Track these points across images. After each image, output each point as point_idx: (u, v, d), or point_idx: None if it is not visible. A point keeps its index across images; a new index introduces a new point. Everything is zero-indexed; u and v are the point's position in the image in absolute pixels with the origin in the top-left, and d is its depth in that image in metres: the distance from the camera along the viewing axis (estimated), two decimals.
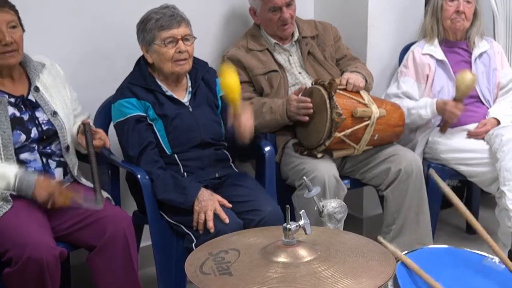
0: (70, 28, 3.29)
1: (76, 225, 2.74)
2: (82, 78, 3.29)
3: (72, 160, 2.93)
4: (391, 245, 2.19)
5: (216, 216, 2.81)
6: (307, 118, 3.30)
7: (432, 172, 2.54)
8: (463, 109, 3.54)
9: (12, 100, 2.80)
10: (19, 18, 2.79)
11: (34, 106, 2.85)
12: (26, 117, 2.81)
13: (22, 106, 2.82)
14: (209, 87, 3.19)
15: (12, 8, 2.77)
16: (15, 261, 2.51)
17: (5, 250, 2.55)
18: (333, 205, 2.48)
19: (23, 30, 2.81)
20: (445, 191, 2.37)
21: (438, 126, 3.69)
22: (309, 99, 3.28)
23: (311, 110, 3.28)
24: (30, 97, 2.86)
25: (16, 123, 2.77)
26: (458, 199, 2.39)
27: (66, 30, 3.28)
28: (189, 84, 3.15)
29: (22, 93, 2.84)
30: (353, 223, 3.65)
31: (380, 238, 2.16)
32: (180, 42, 3.00)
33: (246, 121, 3.00)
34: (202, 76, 3.18)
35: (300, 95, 3.33)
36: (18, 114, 2.80)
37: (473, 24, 3.77)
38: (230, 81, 2.93)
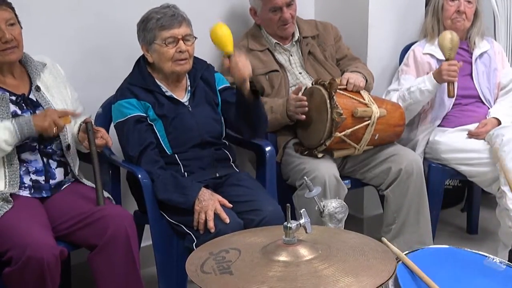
0: (70, 28, 3.30)
1: (77, 225, 2.74)
2: (82, 77, 3.29)
3: (73, 160, 2.93)
4: (393, 245, 2.19)
5: (216, 216, 2.81)
6: (304, 116, 3.30)
7: None
8: (458, 65, 3.53)
9: (13, 98, 2.81)
10: (16, 15, 2.80)
11: (35, 105, 2.85)
12: (27, 115, 2.81)
13: (23, 104, 2.83)
14: (208, 85, 3.19)
15: (9, 5, 2.78)
16: (15, 261, 2.51)
17: (6, 250, 2.55)
18: (333, 205, 2.48)
19: (21, 27, 2.81)
20: None
21: (439, 126, 3.68)
22: (304, 98, 3.29)
23: (306, 109, 3.28)
24: (31, 96, 2.86)
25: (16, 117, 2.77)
26: None
27: (66, 29, 3.28)
28: (188, 83, 3.16)
29: (23, 91, 2.85)
30: (353, 223, 3.65)
31: (384, 239, 2.16)
32: (181, 42, 3.00)
33: (242, 62, 3.00)
34: (201, 74, 3.18)
35: (299, 94, 3.33)
36: (19, 112, 2.80)
37: (473, 24, 3.77)
38: (222, 33, 2.99)
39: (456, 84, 3.58)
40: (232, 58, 3.00)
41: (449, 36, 3.52)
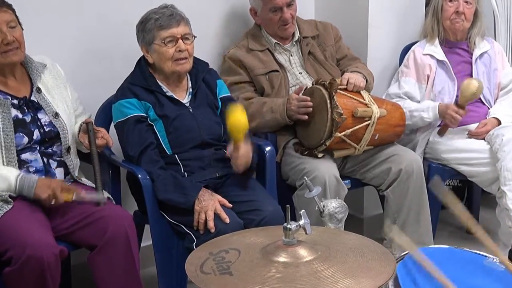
0: (70, 28, 3.30)
1: (77, 225, 2.74)
2: (82, 77, 3.29)
3: (72, 161, 2.93)
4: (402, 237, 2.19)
5: (216, 216, 2.81)
6: (306, 117, 3.30)
7: (437, 182, 2.51)
8: (465, 114, 3.54)
9: (15, 101, 2.81)
10: (17, 17, 2.80)
11: (36, 108, 2.86)
12: (28, 118, 2.81)
13: (25, 107, 2.83)
14: (209, 88, 3.19)
15: (10, 7, 2.78)
16: (15, 260, 2.51)
17: (5, 250, 2.55)
18: (333, 205, 2.48)
19: (22, 29, 2.81)
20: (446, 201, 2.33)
21: (438, 126, 3.69)
22: (309, 98, 3.28)
23: (311, 109, 3.28)
24: (33, 98, 2.86)
25: (19, 125, 2.77)
26: (460, 207, 2.34)
27: (66, 29, 3.29)
28: (190, 85, 3.16)
29: (24, 94, 2.85)
30: (353, 223, 3.65)
31: (392, 226, 2.13)
32: (180, 41, 3.00)
33: (244, 154, 2.98)
34: (203, 77, 3.18)
35: (300, 94, 3.33)
36: (20, 116, 2.80)
37: (473, 25, 3.77)
38: (238, 122, 2.88)
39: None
40: (236, 149, 2.95)
41: (474, 87, 3.50)
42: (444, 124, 3.61)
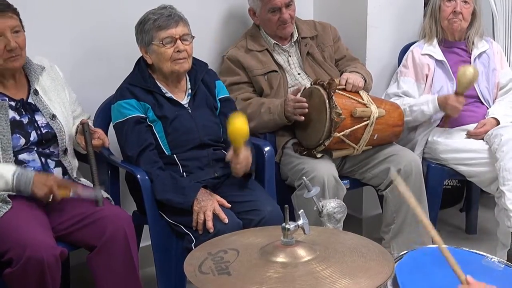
0: (69, 28, 3.30)
1: (76, 225, 2.75)
2: (81, 78, 3.29)
3: (70, 163, 2.94)
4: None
5: (215, 216, 2.81)
6: (303, 118, 3.30)
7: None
8: (465, 102, 3.54)
9: (13, 103, 2.81)
10: (21, 21, 2.80)
11: (33, 110, 2.86)
12: (25, 120, 2.82)
13: (22, 109, 2.83)
14: (208, 89, 3.19)
15: (15, 11, 2.78)
16: (15, 261, 2.51)
17: (6, 250, 2.55)
18: (332, 205, 2.48)
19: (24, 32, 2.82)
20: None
21: (438, 126, 3.69)
22: (304, 99, 3.29)
23: (306, 110, 3.28)
24: (30, 100, 2.87)
25: (16, 127, 2.78)
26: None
27: (65, 30, 3.29)
28: (189, 86, 3.16)
29: (22, 96, 2.85)
30: (352, 223, 3.66)
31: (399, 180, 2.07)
32: (179, 41, 3.00)
33: (243, 160, 2.98)
34: (202, 77, 3.18)
35: (298, 95, 3.33)
36: (18, 117, 2.80)
37: (472, 25, 3.77)
38: (241, 130, 2.87)
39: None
40: (236, 155, 2.96)
41: (470, 74, 3.50)
42: (446, 115, 3.60)
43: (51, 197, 2.71)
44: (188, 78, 3.16)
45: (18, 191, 2.70)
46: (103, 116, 3.21)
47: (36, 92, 2.88)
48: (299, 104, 3.29)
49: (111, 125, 3.14)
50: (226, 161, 3.05)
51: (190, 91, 3.15)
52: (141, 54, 3.11)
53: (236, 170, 3.00)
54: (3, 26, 2.72)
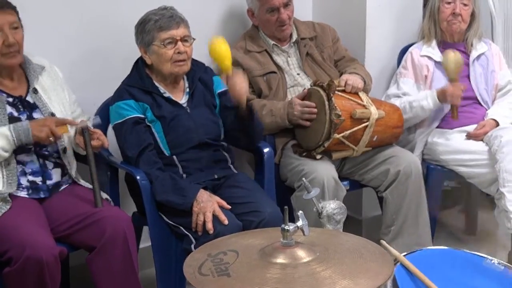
0: (68, 29, 3.30)
1: (76, 226, 2.74)
2: (80, 79, 3.29)
3: (70, 162, 2.94)
4: (392, 247, 2.19)
5: (215, 218, 2.81)
6: (308, 123, 3.30)
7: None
8: (464, 88, 3.54)
9: (10, 99, 2.81)
10: (19, 18, 2.80)
11: (32, 107, 2.86)
12: (23, 117, 2.81)
13: (20, 106, 2.83)
14: (206, 87, 3.19)
15: (13, 9, 2.79)
16: (14, 261, 2.51)
17: (5, 250, 2.55)
18: (332, 206, 2.48)
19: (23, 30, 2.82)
20: None
21: (448, 119, 3.67)
22: (314, 104, 3.28)
23: (315, 116, 3.28)
24: (28, 98, 2.87)
25: (14, 123, 2.77)
26: None
27: (64, 30, 3.29)
28: (187, 85, 3.16)
29: (20, 93, 2.85)
30: (352, 224, 3.65)
31: (383, 242, 2.17)
32: (179, 43, 3.00)
33: (239, 83, 3.01)
34: (199, 76, 3.18)
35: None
36: (16, 114, 2.80)
37: (470, 26, 3.77)
38: (220, 49, 2.95)
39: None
40: (229, 78, 3.00)
41: (452, 57, 3.52)
42: (451, 106, 3.58)
43: (52, 137, 2.73)
44: (185, 77, 3.16)
45: (20, 142, 2.70)
46: (102, 117, 3.19)
47: (35, 91, 2.88)
48: (308, 109, 3.29)
49: (110, 126, 3.13)
50: (225, 158, 3.05)
51: (188, 90, 3.14)
52: (139, 55, 3.11)
53: (235, 95, 3.02)
54: (1, 22, 2.72)
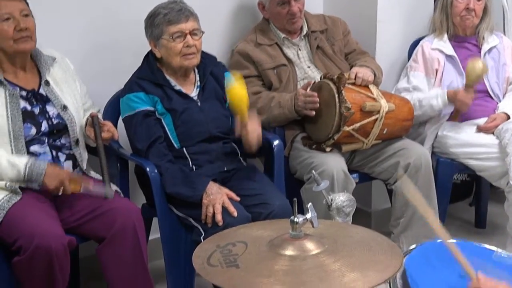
0: (80, 22, 3.31)
1: (85, 217, 2.76)
2: (90, 71, 3.29)
3: (81, 154, 2.95)
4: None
5: (224, 210, 2.82)
6: (313, 113, 3.30)
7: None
8: (474, 97, 3.53)
9: (24, 93, 2.82)
10: (29, 8, 2.82)
11: (44, 100, 2.87)
12: (37, 110, 2.83)
13: (33, 100, 2.84)
14: (217, 81, 3.19)
15: None
16: (24, 250, 2.53)
17: (15, 240, 2.57)
18: (341, 198, 2.48)
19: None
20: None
21: (448, 120, 3.67)
22: (315, 94, 3.28)
23: (317, 105, 3.27)
24: (41, 91, 2.88)
25: (27, 117, 2.79)
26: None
27: (76, 23, 3.30)
28: (197, 78, 3.16)
29: (33, 86, 2.87)
30: (361, 217, 3.65)
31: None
32: (188, 36, 3.00)
33: (253, 130, 3.00)
34: (211, 70, 3.19)
35: (308, 89, 3.33)
36: (29, 108, 2.82)
37: (482, 20, 3.76)
38: (238, 91, 2.90)
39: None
40: (244, 126, 2.97)
41: (480, 68, 3.49)
42: (456, 109, 3.59)
43: (61, 190, 2.73)
44: (196, 71, 3.17)
45: (29, 182, 2.71)
46: (112, 109, 3.22)
47: (47, 83, 2.89)
48: (310, 98, 3.29)
49: (120, 118, 3.14)
50: (235, 151, 3.05)
51: (199, 83, 3.15)
52: (150, 48, 3.11)
53: (248, 142, 3.01)
54: (12, 9, 2.74)
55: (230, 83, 2.93)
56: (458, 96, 3.52)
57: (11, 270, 2.62)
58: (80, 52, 3.30)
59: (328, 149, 3.30)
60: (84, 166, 2.96)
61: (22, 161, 2.70)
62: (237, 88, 2.90)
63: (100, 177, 2.89)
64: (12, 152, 2.74)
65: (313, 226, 2.00)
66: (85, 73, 3.20)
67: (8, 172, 2.68)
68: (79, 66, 3.16)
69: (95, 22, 3.35)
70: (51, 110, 2.86)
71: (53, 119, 2.85)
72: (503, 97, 3.76)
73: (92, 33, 3.35)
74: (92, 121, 2.89)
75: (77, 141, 2.92)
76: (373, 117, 3.29)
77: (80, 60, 3.24)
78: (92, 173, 2.99)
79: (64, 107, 2.89)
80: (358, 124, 3.26)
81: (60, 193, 2.74)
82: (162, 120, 3.05)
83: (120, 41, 3.42)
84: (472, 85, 3.52)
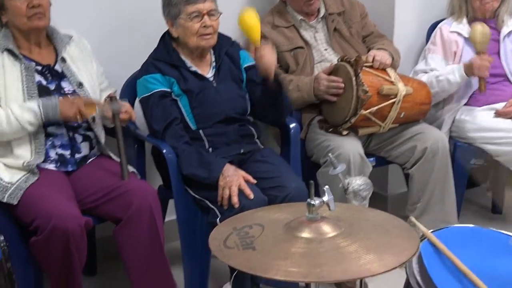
0: (97, 2, 3.31)
1: (102, 198, 2.77)
2: (107, 52, 3.29)
3: (99, 131, 2.96)
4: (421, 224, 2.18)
5: (240, 192, 2.82)
6: (335, 98, 3.29)
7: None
8: (490, 60, 3.50)
9: (39, 68, 2.83)
10: None
11: (60, 77, 2.88)
12: (52, 86, 2.84)
13: (48, 75, 2.85)
14: (233, 61, 3.19)
15: None
16: (41, 230, 2.56)
17: (32, 220, 2.59)
18: (358, 182, 2.47)
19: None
20: None
21: (476, 94, 3.63)
22: (341, 79, 3.26)
23: (342, 91, 3.26)
24: (57, 67, 2.88)
25: (43, 92, 2.80)
26: None
27: (93, 4, 3.30)
28: (213, 59, 3.16)
29: (49, 62, 2.87)
30: (378, 201, 3.63)
31: (411, 218, 2.17)
32: (206, 16, 2.99)
33: (268, 55, 2.99)
34: (226, 50, 3.18)
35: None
36: (44, 82, 2.83)
37: (502, 3, 3.72)
38: (250, 21, 2.95)
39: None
40: (258, 50, 2.98)
41: (480, 29, 3.48)
42: (479, 79, 3.55)
43: (79, 117, 2.76)
44: (212, 51, 3.16)
45: (47, 119, 2.73)
46: (129, 91, 3.22)
47: (63, 60, 2.90)
48: (334, 84, 3.27)
49: (137, 100, 3.14)
50: (251, 133, 3.06)
51: (214, 64, 3.14)
52: (166, 29, 3.11)
53: (262, 67, 3.00)
54: None
55: (241, 12, 2.97)
56: (474, 64, 3.49)
57: (29, 250, 2.64)
58: (98, 34, 3.30)
59: (344, 132, 3.29)
60: (103, 142, 2.97)
61: (33, 103, 2.72)
62: (247, 16, 2.95)
63: (118, 158, 2.90)
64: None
65: (329, 209, 1.99)
66: (102, 54, 3.20)
67: (25, 116, 2.70)
68: (96, 48, 3.17)
69: (113, 3, 3.35)
70: (66, 86, 2.87)
71: (68, 96, 2.85)
72: None
73: (109, 14, 3.35)
74: (111, 101, 2.90)
75: (93, 119, 2.92)
76: (391, 101, 3.27)
77: (97, 41, 3.24)
78: (110, 153, 2.99)
79: (80, 84, 2.89)
80: (375, 108, 3.24)
81: (80, 121, 2.78)
82: (179, 101, 3.05)
83: (137, 22, 3.41)
84: (481, 50, 3.49)
